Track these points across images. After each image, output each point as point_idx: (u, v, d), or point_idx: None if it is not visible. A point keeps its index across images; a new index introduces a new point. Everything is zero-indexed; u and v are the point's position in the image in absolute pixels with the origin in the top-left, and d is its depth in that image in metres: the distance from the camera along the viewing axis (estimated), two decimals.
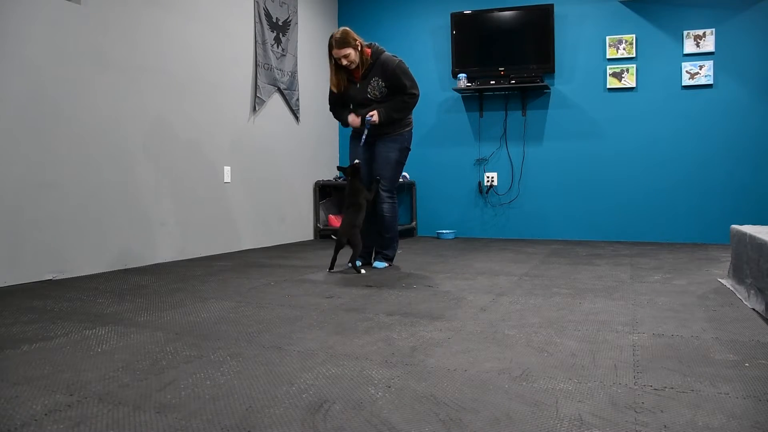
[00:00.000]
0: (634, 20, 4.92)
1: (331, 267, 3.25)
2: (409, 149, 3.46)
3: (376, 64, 3.22)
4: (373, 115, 3.23)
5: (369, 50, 3.22)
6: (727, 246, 3.33)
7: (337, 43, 3.14)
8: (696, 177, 4.80)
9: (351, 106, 3.42)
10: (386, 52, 3.25)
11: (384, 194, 3.35)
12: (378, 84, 3.24)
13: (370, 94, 3.27)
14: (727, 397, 1.29)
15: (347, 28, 3.19)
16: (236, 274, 3.20)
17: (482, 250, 4.38)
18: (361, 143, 3.33)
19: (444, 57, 5.44)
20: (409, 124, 3.43)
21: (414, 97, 3.28)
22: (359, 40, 3.17)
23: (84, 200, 3.19)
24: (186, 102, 3.90)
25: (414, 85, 3.27)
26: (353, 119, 3.32)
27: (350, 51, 3.14)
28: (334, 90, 3.34)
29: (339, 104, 3.45)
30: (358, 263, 3.31)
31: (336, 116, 3.52)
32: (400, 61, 3.24)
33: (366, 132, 3.30)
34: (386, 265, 3.39)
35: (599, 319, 2.08)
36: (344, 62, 3.17)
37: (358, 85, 3.29)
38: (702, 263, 3.52)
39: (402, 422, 1.17)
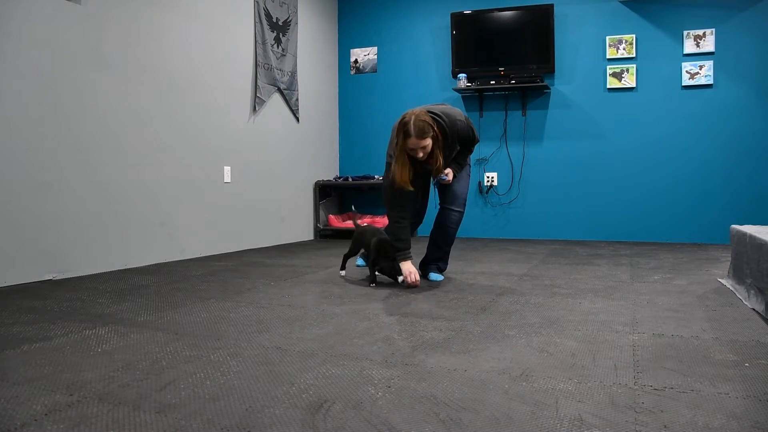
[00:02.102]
0: (634, 20, 4.92)
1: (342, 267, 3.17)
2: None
3: (452, 144, 2.78)
4: (448, 174, 2.88)
5: (439, 132, 2.68)
6: (727, 246, 3.33)
7: (417, 131, 2.56)
8: (696, 177, 4.80)
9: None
10: (450, 117, 2.74)
11: (459, 206, 2.98)
12: (455, 149, 2.83)
13: (444, 165, 2.83)
14: (727, 397, 1.29)
15: (423, 111, 2.62)
16: (236, 274, 3.20)
17: (482, 250, 4.38)
18: (436, 206, 3.07)
19: (444, 57, 5.44)
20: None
21: (477, 142, 2.97)
22: (435, 126, 2.63)
23: (84, 200, 3.19)
24: (186, 102, 3.90)
25: (477, 133, 2.94)
26: (409, 277, 2.71)
27: (430, 141, 2.61)
28: (405, 187, 2.70)
29: (406, 197, 2.80)
30: (362, 263, 3.34)
31: (398, 229, 2.77)
32: (466, 117, 2.84)
33: (436, 192, 3.09)
34: (442, 277, 3.03)
35: (599, 319, 2.08)
36: (420, 154, 2.63)
37: (433, 180, 2.89)
38: (702, 263, 3.52)
39: (402, 422, 1.17)
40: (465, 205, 3.02)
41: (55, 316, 2.17)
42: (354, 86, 5.84)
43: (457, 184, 2.99)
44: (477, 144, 3.01)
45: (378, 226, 3.39)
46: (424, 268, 3.09)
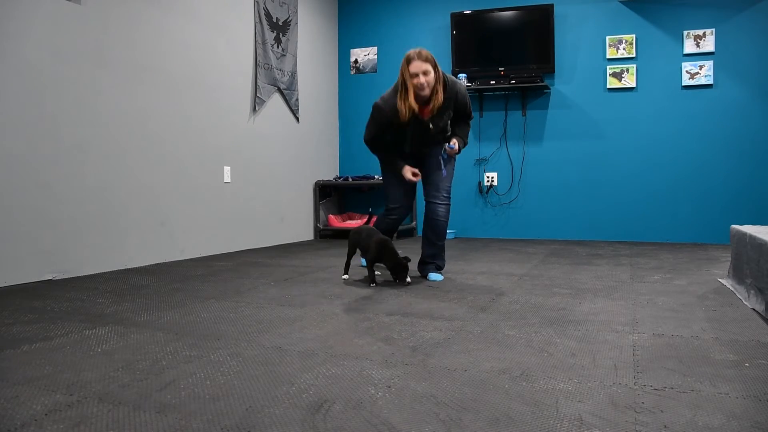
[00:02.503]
0: (634, 20, 4.92)
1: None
2: None
3: (448, 96, 2.83)
4: (455, 144, 2.93)
5: (443, 81, 2.81)
6: (727, 246, 3.33)
7: (419, 55, 2.72)
8: (696, 177, 4.80)
9: (393, 139, 3.00)
10: (452, 79, 2.89)
11: (445, 197, 3.05)
12: (447, 115, 2.90)
13: (434, 125, 2.88)
14: (727, 397, 1.29)
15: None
16: (236, 274, 3.20)
17: (482, 250, 4.38)
18: (444, 174, 3.01)
19: (444, 57, 5.43)
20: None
21: (471, 119, 3.08)
22: (440, 69, 2.79)
23: (84, 200, 3.19)
24: (186, 102, 3.90)
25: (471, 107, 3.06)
26: (410, 176, 2.95)
27: (431, 69, 2.72)
28: (402, 117, 2.79)
29: (383, 141, 3.00)
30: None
31: (382, 154, 3.04)
32: (462, 85, 2.97)
33: (442, 163, 3.02)
34: (442, 277, 3.03)
35: (599, 319, 2.08)
36: (421, 80, 2.71)
37: (429, 123, 2.87)
38: (702, 263, 3.52)
39: (402, 422, 1.17)
40: (449, 196, 3.07)
41: (55, 316, 2.17)
42: (354, 86, 5.84)
43: (439, 177, 3.04)
44: (471, 121, 3.09)
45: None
46: (422, 269, 3.11)
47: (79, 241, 3.16)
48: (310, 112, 5.35)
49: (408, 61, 2.74)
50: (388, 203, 3.18)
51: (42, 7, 2.96)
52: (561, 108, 5.16)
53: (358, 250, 3.02)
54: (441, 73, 2.78)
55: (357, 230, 3.01)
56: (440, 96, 2.78)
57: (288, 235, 5.06)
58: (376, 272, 2.99)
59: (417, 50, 2.75)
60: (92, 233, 3.24)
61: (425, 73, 2.71)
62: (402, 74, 2.77)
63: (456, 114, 2.95)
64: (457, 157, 3.12)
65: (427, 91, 2.75)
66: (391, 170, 3.06)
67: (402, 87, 2.78)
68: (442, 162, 3.03)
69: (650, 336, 1.83)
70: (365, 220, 3.53)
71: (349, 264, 3.05)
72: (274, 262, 3.74)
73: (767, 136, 4.62)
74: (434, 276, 3.02)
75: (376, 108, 2.92)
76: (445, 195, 3.04)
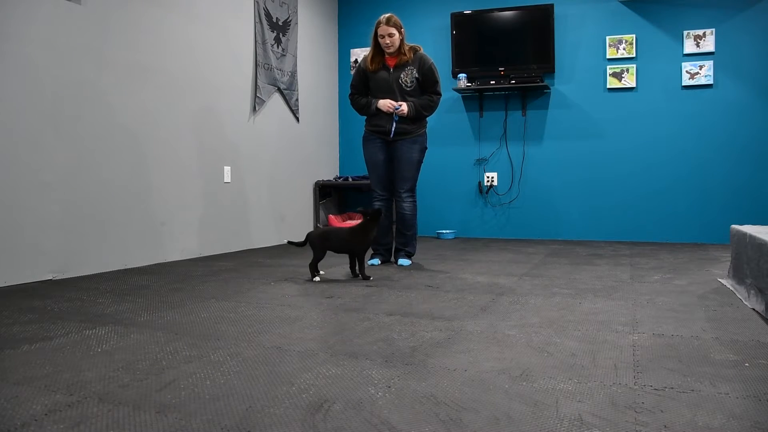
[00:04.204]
0: (634, 20, 4.92)
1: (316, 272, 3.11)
2: (426, 149, 3.60)
3: (414, 58, 3.44)
4: (402, 106, 3.39)
5: (412, 47, 3.46)
6: (727, 246, 3.33)
7: (386, 20, 3.36)
8: (696, 177, 4.80)
9: (371, 95, 3.52)
10: (423, 52, 3.51)
11: (405, 194, 3.50)
12: (411, 73, 3.42)
13: (401, 80, 3.42)
14: (727, 397, 1.29)
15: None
16: (236, 274, 3.20)
17: (482, 250, 4.38)
18: (391, 135, 3.45)
19: (444, 57, 5.43)
20: (426, 125, 3.60)
21: (439, 97, 3.51)
22: (403, 30, 3.44)
23: (84, 200, 3.19)
24: (186, 102, 3.90)
25: (440, 87, 3.51)
26: (387, 104, 3.41)
27: (395, 32, 3.35)
28: (369, 67, 3.44)
29: (362, 91, 3.55)
30: (377, 262, 3.53)
31: (356, 103, 3.57)
32: (432, 61, 3.49)
33: (394, 125, 3.43)
34: (410, 262, 3.54)
35: (599, 319, 2.08)
36: (386, 41, 3.35)
37: (391, 71, 3.43)
38: (702, 263, 3.52)
39: (402, 422, 1.17)
40: (413, 192, 3.52)
41: (55, 316, 2.17)
42: None
43: (400, 177, 3.48)
44: (439, 101, 3.52)
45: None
46: (395, 255, 3.58)
47: (79, 241, 3.16)
48: (310, 112, 5.35)
49: (378, 25, 3.37)
50: (372, 186, 3.59)
51: (42, 7, 2.96)
52: (561, 108, 5.16)
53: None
54: (404, 36, 3.44)
55: (323, 232, 3.14)
56: (407, 54, 3.41)
57: (288, 235, 5.05)
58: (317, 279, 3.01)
59: (386, 16, 3.37)
60: (92, 233, 3.24)
61: (390, 35, 3.35)
62: (374, 36, 3.40)
63: (422, 82, 3.44)
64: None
65: (392, 49, 3.38)
66: (369, 150, 3.55)
67: (374, 45, 3.42)
68: (393, 125, 3.42)
69: (650, 336, 1.83)
70: (361, 219, 3.59)
71: (316, 267, 3.03)
72: (274, 262, 3.74)
73: (767, 136, 4.62)
74: (403, 261, 3.50)
75: (357, 66, 3.56)
76: (407, 194, 3.50)
